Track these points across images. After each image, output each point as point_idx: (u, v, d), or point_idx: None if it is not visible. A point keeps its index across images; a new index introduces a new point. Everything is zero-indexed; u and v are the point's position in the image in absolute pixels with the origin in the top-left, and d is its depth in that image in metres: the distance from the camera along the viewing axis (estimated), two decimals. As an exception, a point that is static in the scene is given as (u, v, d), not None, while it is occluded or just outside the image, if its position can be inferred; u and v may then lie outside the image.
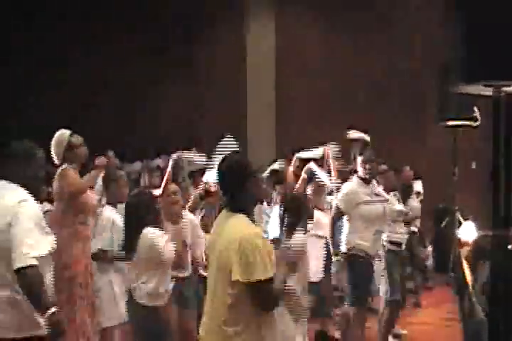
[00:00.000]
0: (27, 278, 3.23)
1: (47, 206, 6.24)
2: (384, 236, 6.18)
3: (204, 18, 12.78)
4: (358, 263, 5.71)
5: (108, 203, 5.42)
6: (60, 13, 13.10)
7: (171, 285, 4.65)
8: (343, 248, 5.81)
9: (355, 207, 5.78)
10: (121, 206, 5.12)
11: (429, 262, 8.40)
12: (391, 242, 6.45)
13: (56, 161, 5.24)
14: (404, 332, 6.74)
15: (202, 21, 12.81)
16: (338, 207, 5.86)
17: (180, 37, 12.87)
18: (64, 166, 5.21)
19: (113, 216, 5.25)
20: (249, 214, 3.25)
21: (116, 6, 12.91)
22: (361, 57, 12.09)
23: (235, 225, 3.18)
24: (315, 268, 5.70)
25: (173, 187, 5.21)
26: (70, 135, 5.23)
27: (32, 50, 13.21)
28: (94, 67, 12.94)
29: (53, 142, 5.22)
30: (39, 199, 4.17)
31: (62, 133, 5.24)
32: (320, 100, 12.27)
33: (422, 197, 8.42)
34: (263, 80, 12.38)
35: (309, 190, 6.29)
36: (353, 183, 5.93)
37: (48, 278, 3.46)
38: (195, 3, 12.70)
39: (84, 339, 4.99)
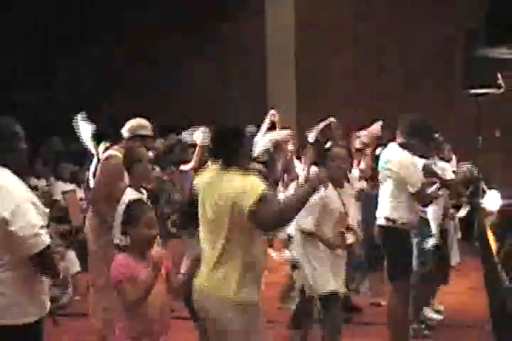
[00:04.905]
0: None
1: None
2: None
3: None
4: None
5: None
6: None
7: None
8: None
9: None
10: None
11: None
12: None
13: None
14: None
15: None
16: None
17: (208, 14, 12.80)
18: None
19: None
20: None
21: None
22: (387, 23, 11.87)
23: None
24: None
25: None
26: None
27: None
28: (124, 44, 12.95)
29: None
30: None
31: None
32: (342, 76, 12.10)
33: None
34: (283, 57, 12.27)
35: None
36: None
37: None
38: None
39: None
